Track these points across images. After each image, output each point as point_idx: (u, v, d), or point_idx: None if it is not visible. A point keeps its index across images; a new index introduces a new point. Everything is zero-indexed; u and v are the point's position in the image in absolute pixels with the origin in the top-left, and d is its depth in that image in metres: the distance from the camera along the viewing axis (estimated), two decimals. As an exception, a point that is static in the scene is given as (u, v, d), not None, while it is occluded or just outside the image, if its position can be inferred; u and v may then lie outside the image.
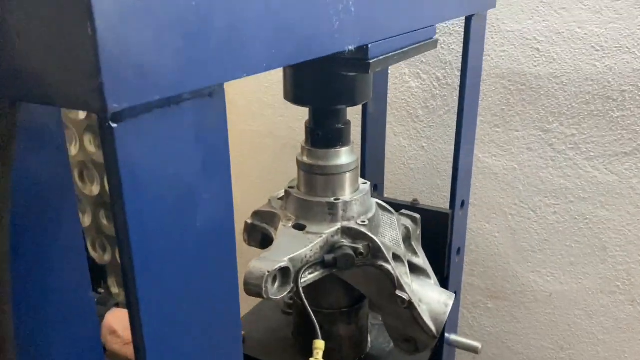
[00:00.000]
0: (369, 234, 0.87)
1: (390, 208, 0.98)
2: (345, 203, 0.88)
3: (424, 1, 0.83)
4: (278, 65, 0.51)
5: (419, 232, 1.00)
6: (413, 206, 1.28)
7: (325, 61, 0.72)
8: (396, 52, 0.75)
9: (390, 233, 0.95)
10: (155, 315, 0.44)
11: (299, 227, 0.88)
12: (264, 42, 0.48)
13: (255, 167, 1.75)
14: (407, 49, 0.78)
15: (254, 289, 0.78)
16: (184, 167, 0.46)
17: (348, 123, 0.89)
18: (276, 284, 0.80)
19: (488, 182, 1.49)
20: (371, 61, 0.69)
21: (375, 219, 0.92)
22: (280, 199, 0.95)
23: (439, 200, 1.53)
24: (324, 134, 0.87)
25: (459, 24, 1.41)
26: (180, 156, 0.45)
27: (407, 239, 0.98)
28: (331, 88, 0.81)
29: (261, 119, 1.70)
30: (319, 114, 0.88)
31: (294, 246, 0.83)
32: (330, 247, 0.87)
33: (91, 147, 1.45)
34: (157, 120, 0.41)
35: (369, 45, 0.69)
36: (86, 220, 1.56)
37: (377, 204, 0.97)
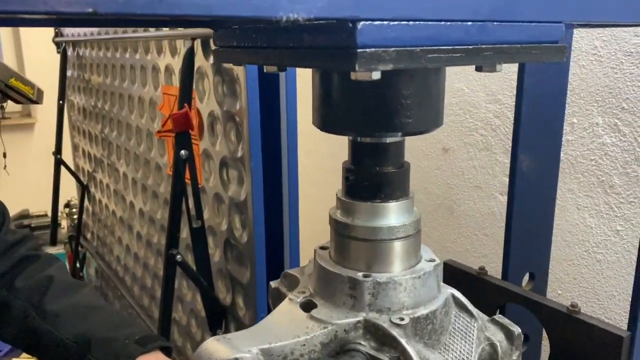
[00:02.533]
0: (403, 341, 0.55)
1: (472, 308, 0.63)
2: (377, 284, 0.58)
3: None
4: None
5: (515, 356, 0.62)
6: (569, 314, 0.86)
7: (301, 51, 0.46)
8: (430, 48, 0.45)
9: (460, 347, 0.60)
10: None
11: (307, 306, 0.61)
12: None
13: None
14: (462, 47, 0.47)
15: (196, 381, 0.54)
16: None
17: (402, 167, 0.60)
18: (237, 383, 0.54)
19: None
20: (359, 50, 0.41)
21: (434, 319, 0.59)
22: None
23: (636, 315, 1.03)
24: (357, 178, 0.59)
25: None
26: None
27: (490, 363, 0.61)
28: (359, 101, 0.54)
29: (416, 172, 1.42)
30: (352, 147, 0.60)
31: (283, 332, 0.57)
32: (340, 346, 0.57)
33: (226, 180, 1.38)
34: None
35: (360, 24, 0.41)
36: (216, 256, 1.49)
37: (454, 297, 0.63)
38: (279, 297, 0.71)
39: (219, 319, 1.48)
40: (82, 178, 2.69)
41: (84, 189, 2.66)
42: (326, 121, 0.57)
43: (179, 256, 1.38)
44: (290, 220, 1.30)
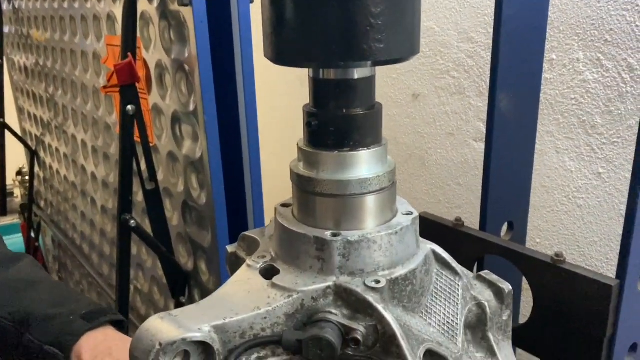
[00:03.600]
0: (379, 307, 0.47)
1: (456, 265, 0.55)
2: (348, 244, 0.49)
3: None
4: None
5: (506, 316, 0.55)
6: (554, 264, 0.81)
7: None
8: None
9: (444, 310, 0.53)
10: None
11: (267, 273, 0.52)
12: None
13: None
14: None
15: (137, 368, 0.45)
16: None
17: (373, 108, 0.51)
18: (186, 368, 0.46)
19: None
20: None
21: (414, 279, 0.51)
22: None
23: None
24: (320, 124, 0.50)
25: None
26: None
27: (478, 324, 0.54)
28: (318, 22, 0.44)
29: (384, 121, 1.33)
30: (314, 86, 0.51)
31: (240, 304, 0.48)
32: (307, 316, 0.49)
33: (179, 137, 1.27)
34: None
35: None
36: (174, 219, 1.39)
37: (434, 254, 0.55)
38: (236, 263, 0.62)
39: (182, 285, 1.39)
40: (30, 143, 2.52)
41: (33, 155, 2.50)
42: (280, 51, 0.48)
43: (132, 221, 1.27)
44: (252, 177, 1.20)
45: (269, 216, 1.31)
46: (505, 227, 0.97)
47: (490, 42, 1.15)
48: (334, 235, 0.50)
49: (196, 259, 1.35)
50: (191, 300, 1.40)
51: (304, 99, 1.68)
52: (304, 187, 0.52)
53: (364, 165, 0.51)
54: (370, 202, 0.51)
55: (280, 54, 0.48)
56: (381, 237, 0.50)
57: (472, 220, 1.03)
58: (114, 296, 1.95)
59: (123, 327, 0.88)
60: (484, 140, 1.21)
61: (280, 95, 1.60)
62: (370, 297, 0.48)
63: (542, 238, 1.08)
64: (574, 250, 1.04)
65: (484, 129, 1.16)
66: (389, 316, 0.47)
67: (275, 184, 1.58)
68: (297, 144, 0.53)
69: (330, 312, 0.49)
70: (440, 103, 1.20)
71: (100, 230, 1.97)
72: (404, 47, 0.46)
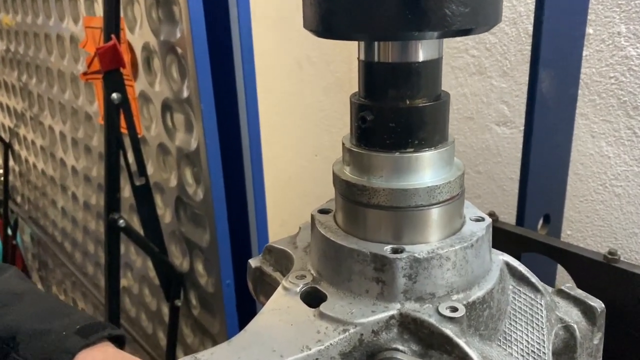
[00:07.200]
0: (461, 342, 0.37)
1: (536, 280, 0.46)
2: (416, 262, 0.40)
3: None
4: None
5: (597, 339, 0.46)
6: (608, 264, 0.72)
7: None
8: None
9: (527, 335, 0.43)
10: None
11: (311, 298, 0.42)
12: None
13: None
14: None
15: None
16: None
17: (440, 98, 0.41)
18: None
19: None
20: None
21: (492, 301, 0.42)
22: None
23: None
24: (377, 119, 0.40)
25: None
26: None
27: (564, 351, 0.45)
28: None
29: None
30: (366, 71, 0.40)
31: (283, 341, 0.38)
32: (368, 354, 0.39)
33: (171, 127, 1.15)
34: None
35: None
36: (167, 217, 1.27)
37: (508, 266, 0.46)
38: (262, 282, 0.52)
39: (176, 288, 1.29)
40: (3, 135, 2.36)
41: (6, 148, 2.35)
42: (327, 18, 0.37)
43: (121, 221, 1.16)
44: (253, 170, 1.09)
45: (271, 211, 1.21)
46: (540, 220, 0.88)
47: (515, 15, 1.05)
48: (395, 251, 0.40)
49: (192, 260, 1.24)
50: (187, 303, 1.30)
51: (302, 83, 1.53)
52: (354, 196, 0.42)
53: (430, 169, 0.41)
54: (440, 214, 0.41)
55: (328, 24, 0.37)
56: (455, 252, 0.40)
57: (495, 212, 0.94)
58: (100, 296, 1.83)
59: (122, 342, 0.77)
60: (508, 124, 1.12)
61: (277, 80, 1.49)
62: (448, 330, 0.38)
63: (573, 230, 1.00)
64: (610, 242, 0.96)
65: (507, 112, 1.06)
66: (473, 354, 0.37)
67: (274, 175, 1.48)
68: (343, 143, 0.43)
69: (397, 349, 0.39)
70: (458, 84, 1.10)
71: (83, 227, 1.84)
72: (491, 12, 0.36)
